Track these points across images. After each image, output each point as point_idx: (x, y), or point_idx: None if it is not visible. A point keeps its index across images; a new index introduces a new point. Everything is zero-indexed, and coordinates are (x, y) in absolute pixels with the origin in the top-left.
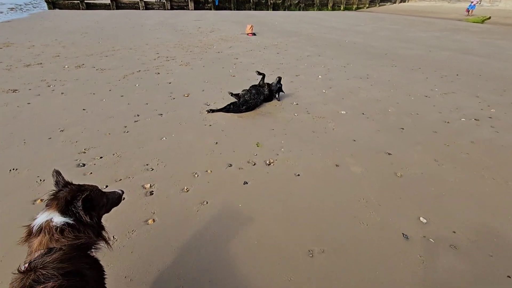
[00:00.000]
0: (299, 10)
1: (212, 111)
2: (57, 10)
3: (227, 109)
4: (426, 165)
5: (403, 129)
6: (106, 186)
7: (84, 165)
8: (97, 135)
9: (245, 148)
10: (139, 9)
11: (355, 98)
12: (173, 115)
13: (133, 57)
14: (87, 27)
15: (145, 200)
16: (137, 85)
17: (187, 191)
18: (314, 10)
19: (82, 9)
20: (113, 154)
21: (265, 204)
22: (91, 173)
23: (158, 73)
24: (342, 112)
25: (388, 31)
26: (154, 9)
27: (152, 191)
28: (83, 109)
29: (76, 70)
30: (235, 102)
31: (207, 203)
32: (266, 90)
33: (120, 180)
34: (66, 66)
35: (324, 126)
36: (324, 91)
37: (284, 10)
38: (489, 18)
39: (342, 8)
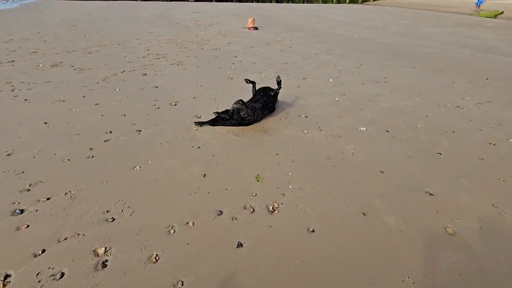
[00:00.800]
0: (303, 2)
1: (201, 124)
2: (51, 0)
3: (219, 121)
4: (482, 213)
5: (440, 154)
6: (41, 253)
7: (22, 211)
8: (52, 161)
9: (241, 183)
10: (138, 0)
11: (375, 109)
12: (154, 132)
13: (119, 54)
14: (77, 19)
15: (92, 279)
16: (117, 89)
17: (156, 260)
18: (318, 3)
19: None
20: (66, 194)
21: (266, 284)
22: (27, 226)
23: (145, 74)
24: (361, 128)
25: (399, 26)
26: (153, 0)
27: (106, 262)
28: (45, 123)
29: (51, 70)
30: (231, 112)
31: (182, 284)
32: (271, 100)
33: (65, 239)
34: (40, 65)
35: (341, 149)
36: (337, 98)
37: (288, 2)
38: (502, 13)
39: (347, 1)
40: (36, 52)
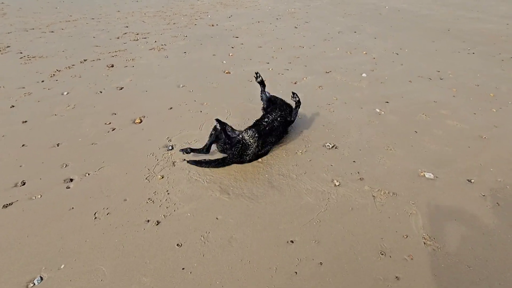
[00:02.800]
0: None
1: (188, 151)
2: None
3: (211, 162)
4: None
5: None
6: None
7: None
8: None
9: None
10: None
11: (439, 132)
12: (91, 186)
13: (88, 34)
14: None
15: None
16: (65, 93)
17: None
18: None
19: None
20: None
21: None
22: None
23: (111, 66)
24: (427, 174)
25: None
26: None
27: None
28: None
29: None
30: (234, 143)
31: None
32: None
33: None
34: None
35: (403, 226)
36: (378, 110)
37: None
38: None
39: None
40: None
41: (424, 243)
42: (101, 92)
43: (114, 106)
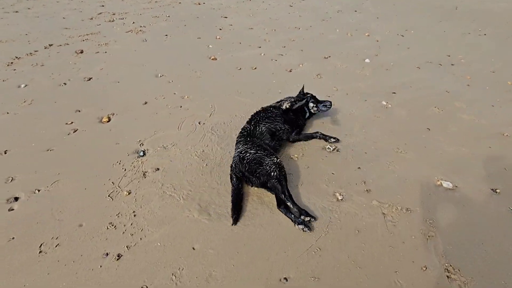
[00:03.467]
0: None
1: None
2: None
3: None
4: None
5: None
6: None
7: None
8: None
9: None
10: None
11: (453, 128)
12: (41, 207)
13: (59, 13)
14: None
15: None
16: (22, 85)
17: None
18: None
19: None
20: None
21: None
22: None
23: (81, 52)
24: (445, 183)
25: None
26: None
27: None
28: None
29: None
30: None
31: None
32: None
33: None
34: None
35: (423, 255)
36: (384, 103)
37: None
38: None
39: None
40: None
41: (448, 277)
42: (65, 84)
43: (79, 101)
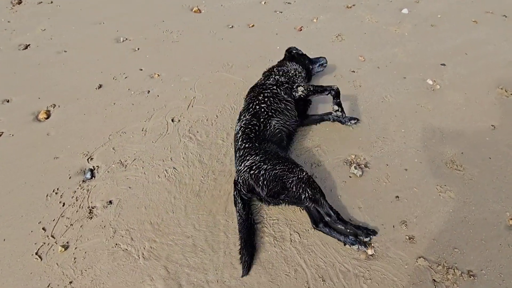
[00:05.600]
0: None
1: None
2: None
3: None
4: None
5: None
6: None
7: None
8: None
9: None
10: None
11: None
12: None
13: None
14: None
15: None
16: None
17: None
18: None
19: None
20: None
21: None
22: None
23: (19, 3)
24: None
25: None
26: None
27: None
28: None
29: None
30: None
31: None
32: None
33: None
34: None
35: None
36: (430, 82)
37: None
38: None
39: None
40: None
41: None
42: None
43: (10, 84)
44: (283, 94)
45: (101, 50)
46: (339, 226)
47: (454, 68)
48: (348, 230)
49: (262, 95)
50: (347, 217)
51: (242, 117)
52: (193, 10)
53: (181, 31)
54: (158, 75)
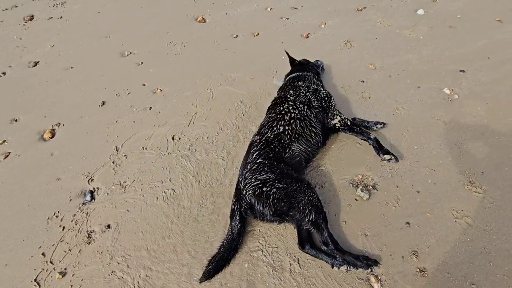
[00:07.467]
0: None
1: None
2: None
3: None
4: None
5: None
6: None
7: None
8: None
9: None
10: None
11: None
12: None
13: None
14: None
15: None
16: None
17: None
18: None
19: None
20: None
21: None
22: None
23: (31, 19)
24: None
25: None
26: None
27: None
28: None
29: None
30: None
31: None
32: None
33: None
34: None
35: None
36: (448, 92)
37: None
38: None
39: None
40: None
41: None
42: (3, 74)
43: (19, 102)
44: (313, 119)
45: (106, 65)
46: (336, 256)
47: (474, 75)
48: (347, 260)
49: (289, 115)
50: (350, 246)
51: (263, 130)
52: (198, 20)
53: (185, 42)
54: (161, 90)
